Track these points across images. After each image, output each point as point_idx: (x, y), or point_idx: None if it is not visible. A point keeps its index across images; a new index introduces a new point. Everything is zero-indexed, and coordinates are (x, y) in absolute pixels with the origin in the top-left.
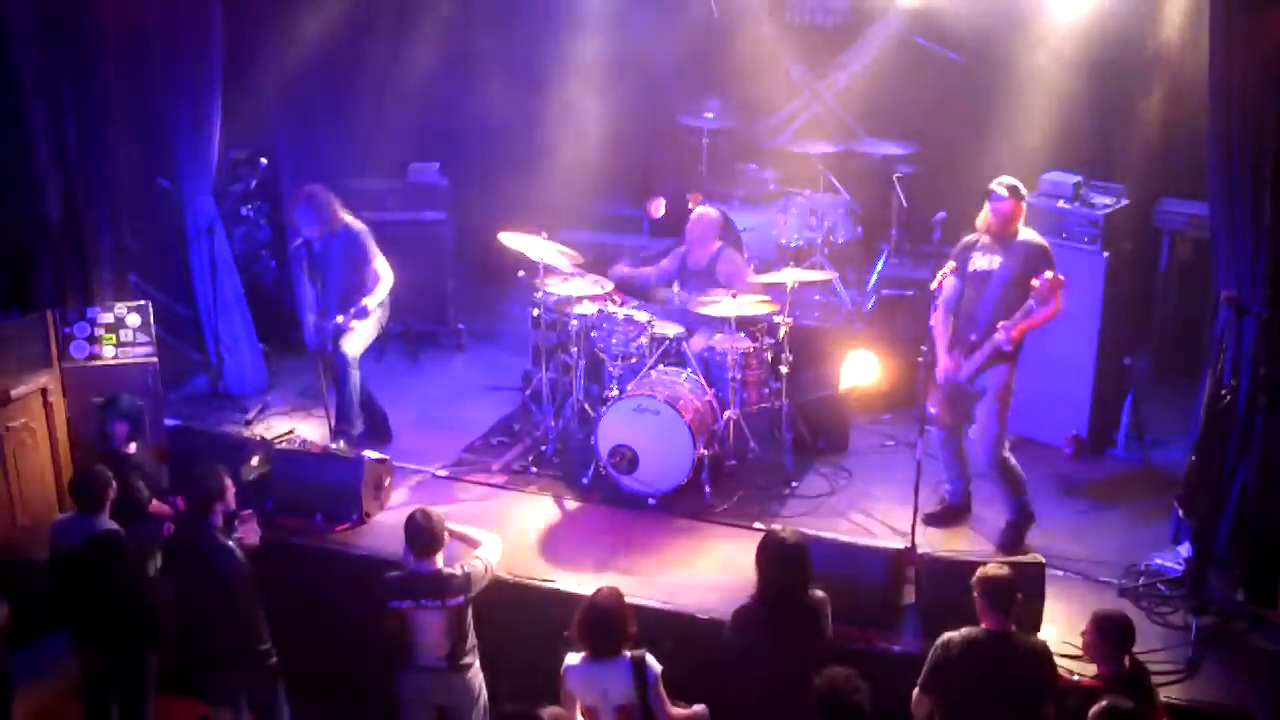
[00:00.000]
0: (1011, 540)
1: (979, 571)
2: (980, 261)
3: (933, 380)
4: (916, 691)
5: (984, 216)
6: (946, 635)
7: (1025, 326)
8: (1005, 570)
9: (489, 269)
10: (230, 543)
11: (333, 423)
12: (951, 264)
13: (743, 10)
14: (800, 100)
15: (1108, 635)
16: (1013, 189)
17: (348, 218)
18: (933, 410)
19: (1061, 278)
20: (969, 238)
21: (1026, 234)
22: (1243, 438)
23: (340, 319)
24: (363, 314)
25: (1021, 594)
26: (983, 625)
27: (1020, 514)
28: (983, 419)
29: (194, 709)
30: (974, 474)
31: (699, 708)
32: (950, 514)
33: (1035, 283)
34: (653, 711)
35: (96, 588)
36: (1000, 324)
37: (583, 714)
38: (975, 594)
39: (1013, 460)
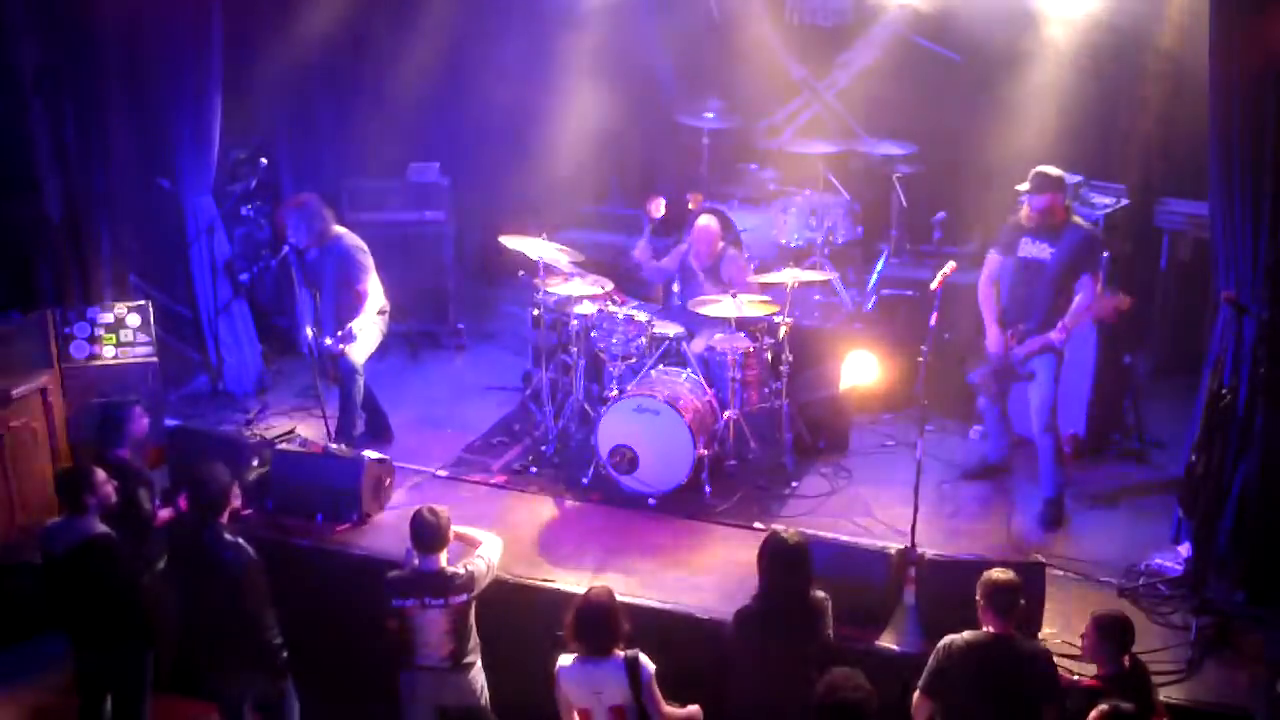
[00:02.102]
0: (1054, 517)
1: (984, 576)
2: (1031, 249)
3: (979, 353)
4: (917, 694)
5: (1025, 213)
6: (948, 638)
7: (1077, 322)
8: (1010, 575)
9: (489, 269)
10: (240, 539)
11: (332, 424)
12: (951, 264)
13: (743, 10)
14: (800, 100)
15: (1107, 635)
16: (1046, 183)
17: (342, 231)
18: (976, 380)
19: (1127, 301)
20: (1017, 219)
21: (1074, 220)
22: (1243, 438)
23: (329, 341)
24: (349, 338)
25: (1024, 599)
26: (984, 628)
27: (1058, 489)
28: (1040, 391)
29: (194, 709)
30: (1017, 438)
31: (693, 708)
32: (989, 470)
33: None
34: (647, 712)
35: (92, 591)
36: (1060, 324)
37: (578, 715)
38: (978, 597)
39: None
